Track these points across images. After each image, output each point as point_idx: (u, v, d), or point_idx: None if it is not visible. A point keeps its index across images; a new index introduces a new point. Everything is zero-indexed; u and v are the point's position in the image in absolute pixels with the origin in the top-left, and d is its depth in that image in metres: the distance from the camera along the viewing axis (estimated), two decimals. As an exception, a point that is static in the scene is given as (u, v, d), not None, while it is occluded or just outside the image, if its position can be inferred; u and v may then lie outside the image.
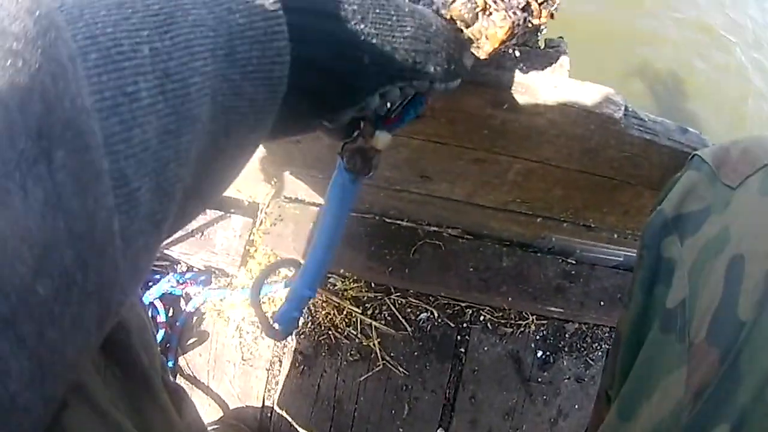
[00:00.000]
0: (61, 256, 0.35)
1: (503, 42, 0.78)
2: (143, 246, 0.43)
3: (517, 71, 0.95)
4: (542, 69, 1.02)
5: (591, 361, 1.60)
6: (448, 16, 0.76)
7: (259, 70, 0.50)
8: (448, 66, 0.70)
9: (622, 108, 0.97)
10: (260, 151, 1.30)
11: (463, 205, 1.38)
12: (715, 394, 0.63)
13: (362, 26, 0.59)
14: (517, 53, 1.01)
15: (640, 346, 0.79)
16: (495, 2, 0.75)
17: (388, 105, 0.76)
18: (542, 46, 1.10)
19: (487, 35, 0.77)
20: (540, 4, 0.79)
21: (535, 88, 0.95)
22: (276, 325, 0.88)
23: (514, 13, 0.76)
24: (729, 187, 0.75)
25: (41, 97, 0.34)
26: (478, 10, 0.76)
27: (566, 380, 1.58)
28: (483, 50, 0.79)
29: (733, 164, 0.76)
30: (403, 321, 1.55)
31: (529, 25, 0.81)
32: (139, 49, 0.41)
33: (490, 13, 0.76)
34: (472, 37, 0.77)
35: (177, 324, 1.56)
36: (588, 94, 0.96)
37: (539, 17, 0.82)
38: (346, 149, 0.78)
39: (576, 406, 1.58)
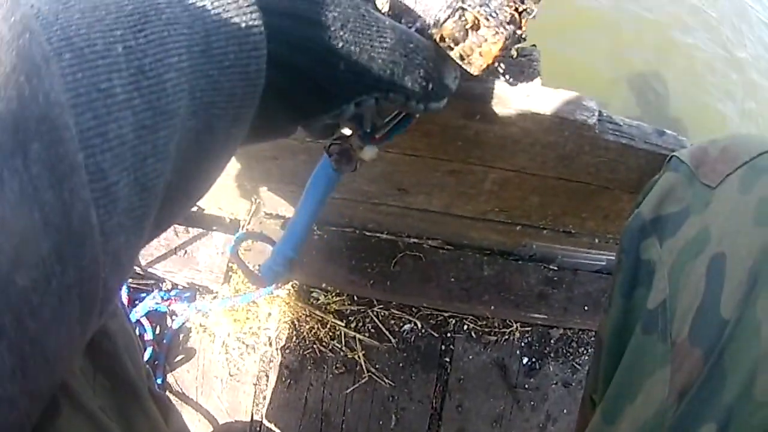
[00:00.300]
0: (38, 248, 0.35)
1: (496, 57, 0.79)
2: (124, 243, 0.43)
3: (488, 81, 0.96)
4: (515, 78, 1.03)
5: (578, 366, 1.60)
6: (438, 36, 0.77)
7: (237, 65, 0.50)
8: (426, 83, 0.70)
9: (596, 113, 0.98)
10: (239, 168, 1.31)
11: (441, 216, 1.38)
12: (699, 393, 0.62)
13: (341, 33, 0.60)
14: (502, 66, 1.02)
15: (622, 350, 0.78)
16: (486, 19, 0.76)
17: (373, 123, 0.79)
18: (515, 55, 1.11)
19: (481, 52, 0.78)
20: (520, 14, 0.80)
21: (507, 97, 0.96)
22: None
23: (504, 28, 0.77)
24: (708, 186, 0.75)
25: (17, 94, 0.34)
26: (468, 26, 0.77)
27: (553, 385, 1.58)
28: (475, 66, 0.79)
29: (712, 164, 0.76)
30: (387, 333, 1.55)
31: (516, 37, 0.82)
32: (113, 47, 0.41)
33: (478, 29, 0.77)
34: (462, 54, 0.78)
35: (164, 341, 1.57)
36: (560, 101, 0.97)
37: (521, 27, 0.83)
38: (332, 150, 0.83)
39: (564, 411, 1.58)
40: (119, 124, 0.40)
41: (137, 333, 1.56)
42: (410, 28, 0.77)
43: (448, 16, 0.76)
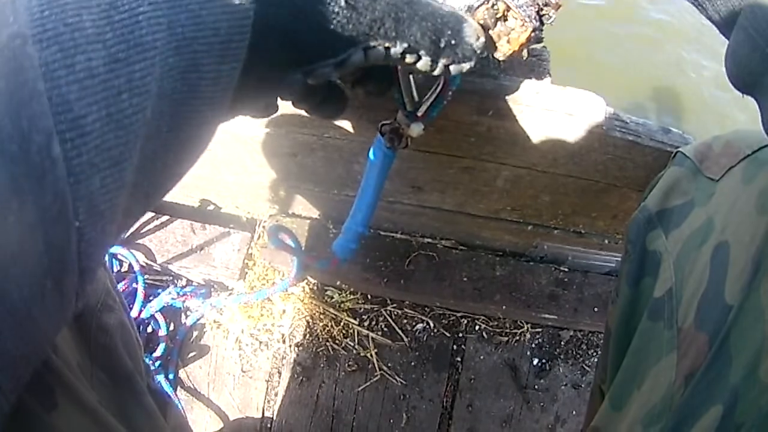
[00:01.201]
0: None
1: (523, 45, 0.82)
2: (101, 188, 0.41)
3: (500, 78, 0.98)
4: (525, 76, 1.05)
5: (587, 368, 1.61)
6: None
7: None
8: (436, 38, 0.67)
9: (604, 111, 1.00)
10: (257, 166, 1.32)
11: (454, 215, 1.40)
12: (705, 376, 0.64)
13: None
14: (525, 55, 1.04)
15: (629, 339, 0.81)
16: (516, 10, 0.79)
17: (416, 97, 0.85)
18: (525, 56, 1.13)
19: (509, 39, 0.81)
20: (541, 17, 0.83)
21: (518, 94, 0.98)
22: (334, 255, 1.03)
23: (531, 21, 0.80)
24: (712, 179, 0.77)
25: None
26: (498, 16, 0.80)
27: (563, 387, 1.59)
28: (501, 51, 0.83)
29: (715, 158, 0.79)
30: (400, 332, 1.57)
31: (537, 36, 0.85)
32: None
33: (506, 20, 0.80)
34: (493, 37, 0.81)
35: (177, 337, 1.58)
36: (569, 98, 0.99)
37: (542, 29, 0.86)
38: (383, 129, 0.89)
39: (573, 413, 1.59)
40: (88, 57, 0.39)
41: (151, 328, 1.58)
42: None
43: (481, 4, 0.79)
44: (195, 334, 1.61)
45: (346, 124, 1.10)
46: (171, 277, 1.66)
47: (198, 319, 1.60)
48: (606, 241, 1.45)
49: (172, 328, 1.60)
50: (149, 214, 1.62)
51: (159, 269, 1.62)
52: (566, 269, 1.58)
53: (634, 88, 2.67)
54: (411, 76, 0.84)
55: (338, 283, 1.58)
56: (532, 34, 0.83)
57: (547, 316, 1.56)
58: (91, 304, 0.75)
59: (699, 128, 2.66)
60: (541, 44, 1.14)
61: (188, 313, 1.60)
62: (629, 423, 0.75)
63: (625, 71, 2.70)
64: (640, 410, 0.73)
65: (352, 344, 1.55)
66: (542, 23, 0.85)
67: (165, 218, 1.62)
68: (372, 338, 1.55)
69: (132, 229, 1.60)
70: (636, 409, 0.74)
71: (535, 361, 1.59)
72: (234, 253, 1.58)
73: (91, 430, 0.60)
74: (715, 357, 0.63)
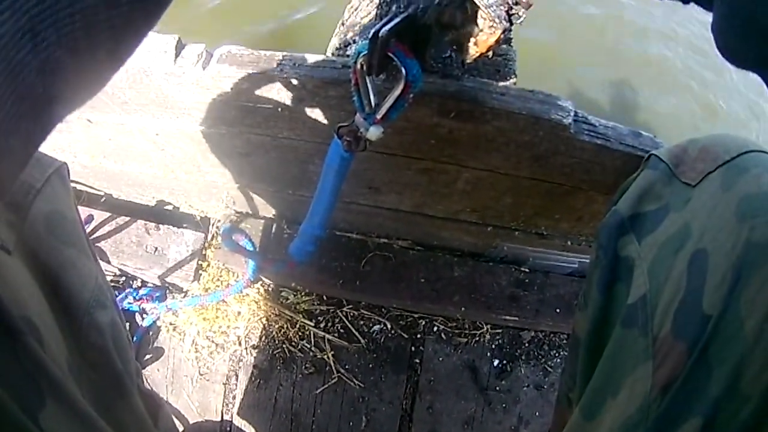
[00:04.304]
0: None
1: (491, 47, 0.81)
2: None
3: (463, 79, 0.96)
4: (490, 77, 1.03)
5: (549, 369, 1.60)
6: (437, 21, 0.79)
7: None
8: None
9: (571, 114, 0.98)
10: (211, 166, 1.30)
11: (412, 216, 1.38)
12: (684, 387, 0.63)
13: None
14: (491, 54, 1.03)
15: (600, 347, 0.79)
16: (485, 10, 0.77)
17: (373, 100, 0.84)
18: (491, 55, 1.11)
19: (476, 41, 0.80)
20: (510, 16, 0.81)
21: (482, 96, 0.96)
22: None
23: (501, 23, 0.78)
24: (688, 185, 0.76)
25: None
26: (466, 16, 0.78)
27: (525, 388, 1.58)
28: (469, 54, 0.81)
29: (691, 162, 0.78)
30: (356, 333, 1.55)
31: (505, 37, 0.84)
32: None
33: (476, 20, 0.78)
34: (456, 40, 0.81)
35: (134, 340, 1.55)
36: (536, 101, 0.98)
37: (510, 29, 0.85)
38: (341, 132, 0.88)
39: (537, 414, 1.58)
40: None
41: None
42: (407, 8, 0.79)
43: (450, 2, 0.77)
44: (151, 336, 1.58)
45: (301, 125, 1.08)
46: (126, 278, 1.63)
47: (154, 321, 1.57)
48: (569, 243, 1.44)
49: (128, 329, 1.57)
50: (105, 215, 1.59)
51: (116, 271, 1.59)
52: (527, 270, 1.57)
53: (608, 90, 2.67)
54: (369, 79, 0.82)
55: (293, 284, 1.56)
56: (501, 36, 0.81)
57: (507, 317, 1.55)
58: (83, 300, 0.74)
59: (674, 131, 2.67)
60: (508, 44, 1.13)
61: (144, 315, 1.57)
62: None
63: (600, 72, 2.70)
64: (615, 421, 0.71)
65: (308, 346, 1.53)
66: (512, 23, 0.83)
67: (120, 220, 1.59)
68: (328, 340, 1.53)
69: (87, 231, 1.57)
70: (611, 419, 0.72)
71: (496, 362, 1.58)
72: (188, 254, 1.56)
73: (79, 430, 0.60)
74: (694, 367, 0.63)
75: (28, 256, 0.68)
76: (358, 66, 0.81)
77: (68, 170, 0.81)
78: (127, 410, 0.77)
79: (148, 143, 1.25)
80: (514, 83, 1.07)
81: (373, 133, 0.85)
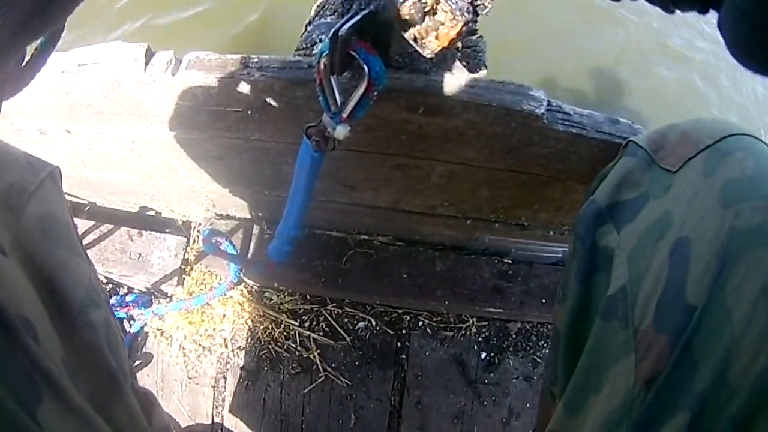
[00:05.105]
0: None
1: (453, 40, 0.81)
2: None
3: (431, 73, 0.96)
4: (459, 70, 1.03)
5: (538, 359, 1.60)
6: (396, 16, 0.79)
7: None
8: None
9: (544, 103, 0.98)
10: (188, 170, 1.30)
11: (390, 212, 1.38)
12: (668, 381, 0.62)
13: None
14: (458, 55, 1.03)
15: (581, 339, 0.78)
16: (446, 3, 0.77)
17: (339, 99, 0.84)
18: (460, 46, 1.11)
19: (437, 35, 0.79)
20: (475, 7, 0.81)
21: (450, 89, 0.96)
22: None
23: (463, 15, 0.78)
24: (668, 171, 0.74)
25: None
26: (426, 9, 0.78)
27: (514, 380, 1.58)
28: (429, 49, 0.81)
29: (671, 148, 0.76)
30: (341, 331, 1.55)
31: (471, 29, 0.83)
32: None
33: (436, 14, 0.78)
34: (417, 35, 0.79)
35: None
36: (506, 92, 0.97)
37: (476, 20, 0.84)
38: (309, 132, 0.89)
39: (527, 405, 1.58)
40: None
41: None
42: (368, 6, 0.79)
43: None
44: (140, 342, 1.59)
45: (271, 126, 1.09)
46: (113, 285, 1.63)
47: (141, 327, 1.58)
48: (550, 233, 1.44)
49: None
50: (89, 224, 1.59)
51: (102, 278, 1.60)
52: (510, 261, 1.57)
53: (586, 77, 2.66)
54: (333, 78, 0.83)
55: (276, 285, 1.57)
56: (463, 28, 0.81)
57: (491, 309, 1.55)
58: (77, 300, 0.75)
59: (653, 117, 2.66)
60: (478, 35, 1.13)
61: (131, 321, 1.58)
62: (588, 430, 0.72)
63: (578, 59, 2.69)
64: (598, 416, 0.70)
65: (294, 346, 1.54)
66: (477, 14, 0.83)
67: (104, 227, 1.60)
68: (314, 339, 1.54)
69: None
70: (594, 414, 0.72)
71: (483, 355, 1.58)
72: (171, 259, 1.57)
73: (75, 425, 0.61)
74: (679, 361, 0.62)
75: (23, 257, 0.69)
76: (322, 66, 0.81)
77: (60, 174, 0.83)
78: (121, 408, 0.77)
79: (125, 151, 1.25)
80: (485, 75, 1.07)
81: (340, 132, 0.85)
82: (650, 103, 2.73)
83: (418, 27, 0.80)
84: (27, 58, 0.72)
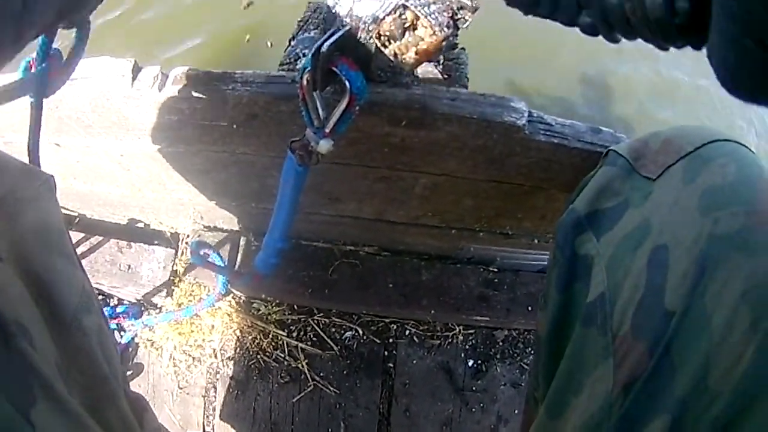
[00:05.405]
0: None
1: (430, 55, 0.82)
2: None
3: (413, 87, 0.97)
4: (441, 83, 1.04)
5: (526, 366, 1.61)
6: (375, 32, 0.80)
7: None
8: None
9: (525, 115, 0.99)
10: (176, 183, 1.32)
11: (374, 223, 1.40)
12: (647, 386, 0.63)
13: None
14: (440, 68, 1.04)
15: (561, 346, 0.79)
16: (425, 18, 0.79)
17: (322, 114, 0.85)
18: (441, 60, 1.12)
19: (417, 50, 0.81)
20: (455, 21, 0.83)
21: (431, 103, 0.97)
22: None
23: (442, 30, 0.79)
24: (648, 178, 0.75)
25: None
26: (406, 25, 0.79)
27: (502, 387, 1.59)
28: (408, 63, 0.83)
29: (653, 156, 0.76)
30: (329, 341, 1.56)
31: (451, 42, 0.85)
32: None
33: (416, 29, 0.80)
34: (397, 51, 0.81)
35: (115, 356, 1.57)
36: (487, 104, 0.98)
37: (456, 34, 0.86)
38: (293, 146, 0.90)
39: (516, 411, 1.59)
40: None
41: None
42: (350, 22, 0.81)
43: (388, 14, 0.79)
44: (131, 352, 1.60)
45: (256, 140, 1.10)
46: (104, 297, 1.64)
47: (132, 338, 1.59)
48: (535, 241, 1.45)
49: (111, 342, 1.59)
50: (79, 236, 1.61)
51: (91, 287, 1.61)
52: (496, 270, 1.59)
53: (572, 86, 2.67)
54: (316, 93, 0.84)
55: (264, 295, 1.58)
56: (443, 43, 0.82)
57: (478, 317, 1.56)
58: (71, 306, 0.76)
59: (640, 124, 2.67)
60: (459, 47, 1.14)
61: (122, 332, 1.59)
62: None
63: (564, 69, 2.70)
64: (578, 419, 0.71)
65: (282, 356, 1.55)
66: (457, 28, 0.84)
67: (94, 239, 1.61)
68: (302, 349, 1.55)
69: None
70: (574, 418, 0.72)
71: (471, 363, 1.59)
72: (160, 271, 1.58)
73: (68, 427, 0.62)
74: (657, 367, 0.62)
75: (18, 264, 0.70)
76: (304, 82, 0.83)
77: (55, 183, 0.84)
78: (113, 411, 0.78)
79: (113, 164, 1.27)
80: (467, 87, 1.08)
81: (324, 146, 0.87)
82: (636, 111, 2.73)
83: (398, 42, 0.82)
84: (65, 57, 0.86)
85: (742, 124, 2.85)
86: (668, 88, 2.84)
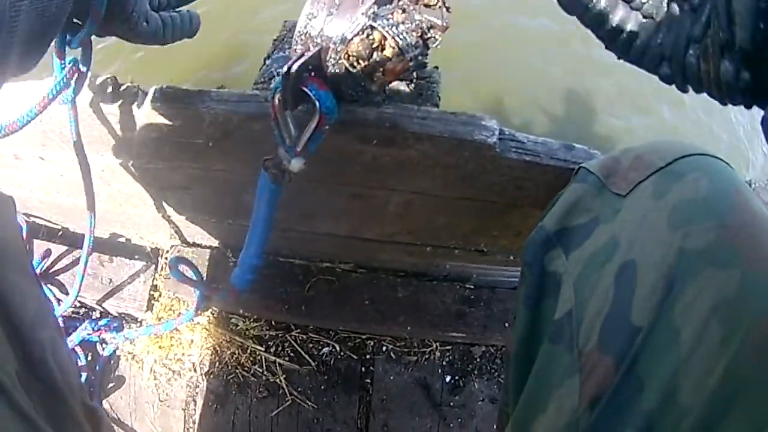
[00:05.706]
0: None
1: (398, 74, 0.84)
2: None
3: (384, 106, 0.99)
4: (412, 101, 1.06)
5: (503, 382, 1.62)
6: (344, 53, 0.82)
7: None
8: None
9: (496, 133, 1.00)
10: (155, 198, 1.34)
11: (349, 240, 1.42)
12: (613, 401, 0.63)
13: None
14: (411, 86, 1.06)
15: (529, 362, 0.79)
16: (393, 39, 0.81)
17: (293, 133, 0.87)
18: (414, 78, 1.14)
19: (384, 70, 0.83)
20: (425, 41, 0.85)
21: (402, 121, 0.99)
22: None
23: (410, 51, 0.81)
24: (618, 195, 0.76)
25: None
26: (374, 45, 0.81)
27: (480, 402, 1.59)
28: (376, 83, 0.85)
29: (624, 173, 0.77)
30: (307, 356, 1.58)
31: (420, 62, 0.86)
32: None
33: (384, 49, 0.81)
34: (365, 71, 0.84)
35: (96, 369, 1.58)
36: (458, 123, 1.00)
37: (426, 54, 0.88)
38: (267, 165, 0.92)
39: (494, 426, 1.59)
40: None
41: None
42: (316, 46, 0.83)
43: (356, 34, 0.81)
44: (112, 365, 1.61)
45: (231, 158, 1.12)
46: (86, 309, 1.66)
47: (114, 351, 1.60)
48: (511, 258, 1.46)
49: (90, 359, 1.59)
50: (62, 249, 1.62)
51: (75, 303, 1.62)
52: (472, 286, 1.60)
53: (555, 103, 2.68)
54: (288, 113, 0.86)
55: (242, 311, 1.59)
56: (411, 63, 0.84)
57: (455, 334, 1.57)
58: (28, 319, 0.78)
59: (613, 140, 2.68)
60: (432, 66, 1.16)
61: (104, 345, 1.60)
62: None
63: (548, 85, 2.71)
64: None
65: (260, 371, 1.56)
66: (427, 47, 0.86)
67: (77, 253, 1.62)
68: (279, 364, 1.56)
69: (46, 266, 1.61)
70: None
71: (448, 378, 1.60)
72: (140, 285, 1.60)
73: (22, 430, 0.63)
74: (623, 381, 0.63)
75: None
76: (276, 101, 0.85)
77: (14, 203, 0.86)
78: (69, 420, 0.80)
79: (95, 179, 1.28)
80: (438, 106, 1.09)
81: (295, 165, 0.89)
82: (625, 124, 2.75)
83: (365, 62, 0.83)
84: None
85: (723, 135, 2.88)
86: (649, 103, 2.85)
